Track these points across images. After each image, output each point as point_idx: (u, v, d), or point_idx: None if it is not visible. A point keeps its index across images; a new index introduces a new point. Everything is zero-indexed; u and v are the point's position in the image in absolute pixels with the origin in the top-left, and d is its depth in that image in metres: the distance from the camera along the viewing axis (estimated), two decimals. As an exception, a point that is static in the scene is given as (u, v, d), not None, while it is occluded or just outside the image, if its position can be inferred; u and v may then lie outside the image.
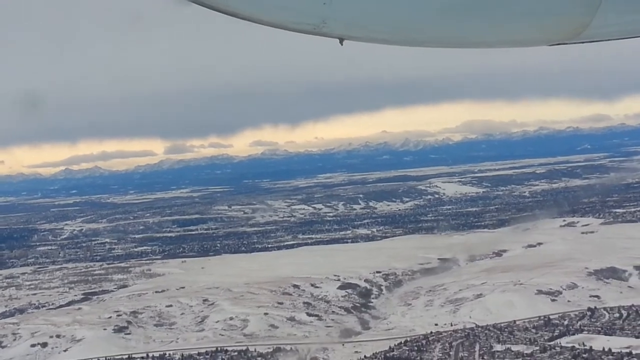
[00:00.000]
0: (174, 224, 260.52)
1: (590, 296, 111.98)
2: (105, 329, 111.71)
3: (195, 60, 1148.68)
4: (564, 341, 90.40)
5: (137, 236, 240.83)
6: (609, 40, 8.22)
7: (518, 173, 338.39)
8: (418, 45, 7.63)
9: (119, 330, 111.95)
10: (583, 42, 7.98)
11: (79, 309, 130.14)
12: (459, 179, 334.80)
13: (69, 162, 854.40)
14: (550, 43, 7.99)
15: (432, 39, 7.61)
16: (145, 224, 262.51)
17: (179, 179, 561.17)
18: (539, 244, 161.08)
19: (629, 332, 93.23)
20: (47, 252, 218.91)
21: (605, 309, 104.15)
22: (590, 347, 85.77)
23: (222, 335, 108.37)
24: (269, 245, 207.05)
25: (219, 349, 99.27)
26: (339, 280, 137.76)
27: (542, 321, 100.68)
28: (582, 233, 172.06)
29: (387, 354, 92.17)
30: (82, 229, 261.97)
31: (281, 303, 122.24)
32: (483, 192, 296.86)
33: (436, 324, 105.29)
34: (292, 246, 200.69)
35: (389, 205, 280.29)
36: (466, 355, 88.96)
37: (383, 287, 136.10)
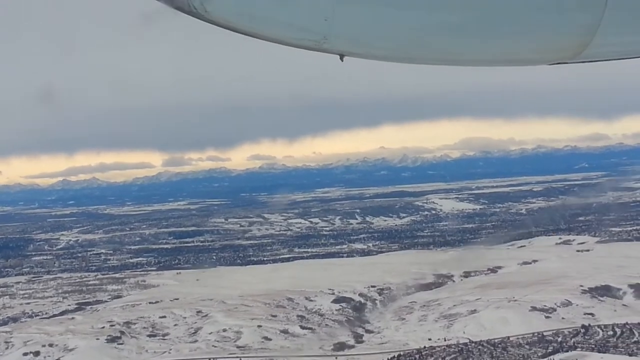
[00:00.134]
0: (170, 235, 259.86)
1: (585, 314, 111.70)
2: (98, 339, 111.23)
3: (195, 73, 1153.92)
4: (558, 358, 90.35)
5: (132, 247, 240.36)
6: (608, 60, 8.31)
7: (515, 190, 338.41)
8: (418, 63, 7.67)
9: (112, 340, 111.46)
10: (583, 62, 8.05)
11: (73, 318, 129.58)
12: (456, 196, 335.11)
13: (67, 173, 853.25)
14: (550, 62, 8.04)
15: (433, 56, 7.66)
16: (141, 236, 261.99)
17: (177, 191, 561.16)
18: (534, 261, 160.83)
19: (623, 349, 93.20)
20: (43, 261, 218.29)
21: (599, 326, 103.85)
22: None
23: (215, 346, 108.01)
24: (265, 259, 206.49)
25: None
26: (333, 294, 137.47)
27: (535, 338, 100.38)
28: (578, 251, 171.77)
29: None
30: (78, 240, 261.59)
31: (275, 316, 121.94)
32: (480, 208, 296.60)
33: (430, 339, 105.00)
34: (287, 260, 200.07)
35: (385, 220, 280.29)
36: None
37: (377, 302, 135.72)
